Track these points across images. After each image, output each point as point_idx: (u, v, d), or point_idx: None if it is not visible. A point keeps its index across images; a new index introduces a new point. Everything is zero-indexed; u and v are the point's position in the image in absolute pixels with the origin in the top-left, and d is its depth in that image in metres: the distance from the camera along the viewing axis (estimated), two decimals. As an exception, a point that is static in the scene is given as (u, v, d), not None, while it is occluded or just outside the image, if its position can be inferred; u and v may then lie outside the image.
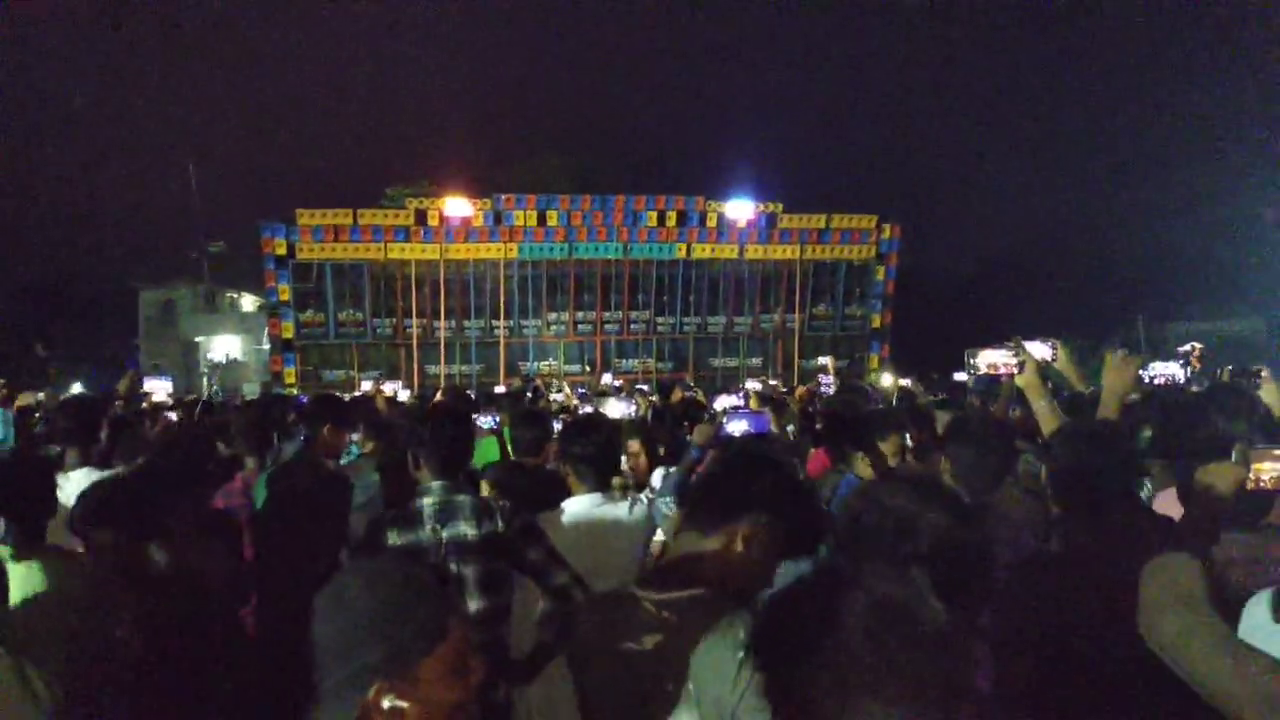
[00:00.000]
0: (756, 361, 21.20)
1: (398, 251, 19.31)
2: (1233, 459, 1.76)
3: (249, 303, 34.63)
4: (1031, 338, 3.29)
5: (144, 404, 6.21)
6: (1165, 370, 4.91)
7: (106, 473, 3.19)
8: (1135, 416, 3.53)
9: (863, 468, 3.28)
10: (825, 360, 12.04)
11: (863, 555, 1.45)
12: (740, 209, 19.64)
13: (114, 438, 4.19)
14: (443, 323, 19.78)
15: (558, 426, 3.93)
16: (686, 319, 21.03)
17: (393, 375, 17.14)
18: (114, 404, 4.97)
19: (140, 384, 6.20)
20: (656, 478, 3.85)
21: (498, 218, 19.53)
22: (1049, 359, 3.29)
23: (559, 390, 10.13)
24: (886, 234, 21.14)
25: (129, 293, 32.96)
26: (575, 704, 1.60)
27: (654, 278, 20.64)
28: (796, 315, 21.09)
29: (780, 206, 20.61)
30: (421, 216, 19.25)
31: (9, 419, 5.95)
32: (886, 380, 9.56)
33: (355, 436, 4.42)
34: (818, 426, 5.13)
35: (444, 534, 2.45)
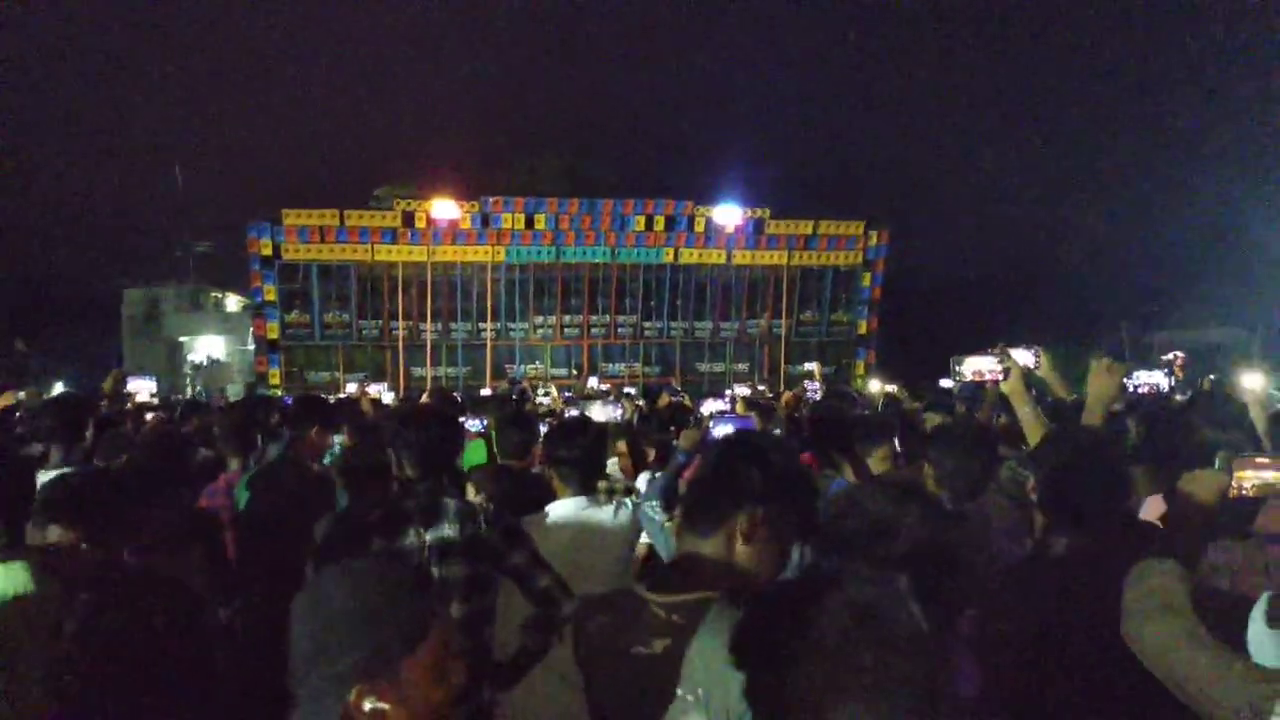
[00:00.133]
0: (743, 367, 21.23)
1: (384, 253, 19.22)
2: (1216, 466, 1.78)
3: (234, 303, 34.44)
4: (1016, 345, 3.30)
5: (128, 404, 6.15)
6: (1149, 378, 4.96)
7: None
8: (1119, 424, 3.55)
9: (852, 472, 3.30)
10: (811, 366, 12.06)
11: (843, 558, 1.45)
12: (728, 214, 19.65)
13: (97, 437, 4.16)
14: (429, 325, 19.70)
15: (544, 430, 3.92)
16: (673, 323, 21.04)
17: (378, 377, 16.95)
18: (99, 403, 4.93)
19: (125, 383, 6.14)
20: (642, 482, 3.85)
21: (485, 220, 19.48)
22: (1032, 366, 3.31)
23: (545, 393, 10.10)
24: (873, 240, 21.23)
25: (113, 292, 32.71)
26: (568, 707, 1.59)
27: (641, 282, 20.64)
28: (783, 320, 21.15)
29: (768, 212, 20.66)
30: (409, 218, 19.16)
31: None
32: (874, 387, 9.59)
33: (340, 438, 4.42)
34: (804, 432, 5.15)
35: (427, 536, 2.44)
